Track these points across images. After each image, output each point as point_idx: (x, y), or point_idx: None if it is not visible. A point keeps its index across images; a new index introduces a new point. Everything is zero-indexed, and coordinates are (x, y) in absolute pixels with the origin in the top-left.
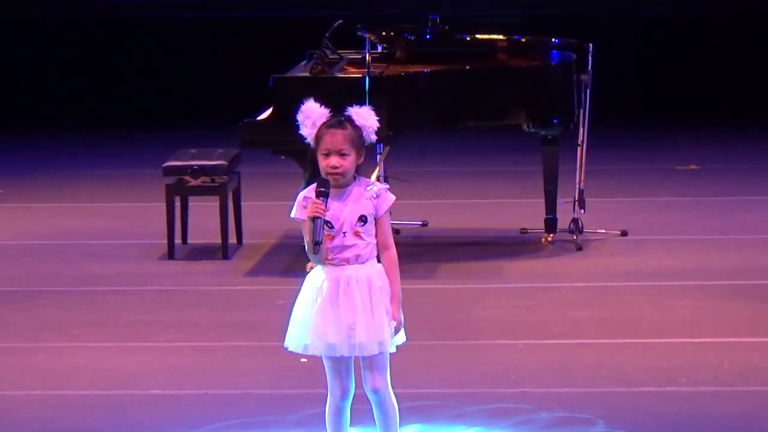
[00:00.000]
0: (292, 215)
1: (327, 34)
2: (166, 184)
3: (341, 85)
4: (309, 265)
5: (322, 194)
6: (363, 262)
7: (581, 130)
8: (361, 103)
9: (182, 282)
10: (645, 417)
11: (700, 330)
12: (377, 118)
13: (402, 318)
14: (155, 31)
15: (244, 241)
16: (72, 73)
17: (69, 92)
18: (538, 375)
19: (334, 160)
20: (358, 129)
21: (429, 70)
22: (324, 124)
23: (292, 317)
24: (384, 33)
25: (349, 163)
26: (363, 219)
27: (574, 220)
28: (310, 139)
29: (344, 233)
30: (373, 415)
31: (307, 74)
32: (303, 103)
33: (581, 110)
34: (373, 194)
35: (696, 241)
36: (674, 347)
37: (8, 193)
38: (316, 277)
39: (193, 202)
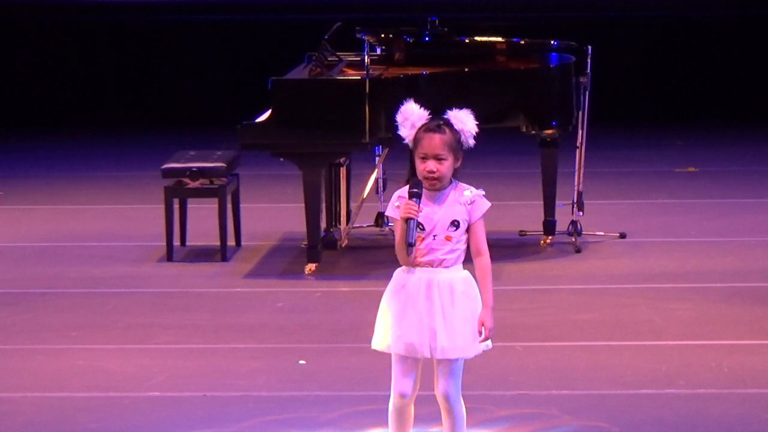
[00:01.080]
0: (387, 213)
1: (326, 37)
2: (165, 186)
3: (340, 87)
4: (308, 267)
5: (415, 195)
6: (448, 267)
7: (580, 132)
8: (359, 106)
9: (181, 284)
10: (644, 419)
11: (699, 332)
12: (476, 123)
13: (491, 324)
14: (154, 33)
15: (243, 243)
16: (72, 75)
17: (69, 95)
18: (537, 377)
19: (432, 165)
20: (456, 133)
21: (428, 72)
22: (422, 127)
23: (378, 318)
24: (383, 35)
25: (446, 167)
26: (455, 224)
27: (573, 223)
28: (408, 140)
29: (435, 236)
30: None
31: (306, 76)
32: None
33: (580, 112)
34: (468, 200)
35: (695, 243)
36: (673, 349)
37: (7, 195)
38: (400, 278)
39: (192, 204)
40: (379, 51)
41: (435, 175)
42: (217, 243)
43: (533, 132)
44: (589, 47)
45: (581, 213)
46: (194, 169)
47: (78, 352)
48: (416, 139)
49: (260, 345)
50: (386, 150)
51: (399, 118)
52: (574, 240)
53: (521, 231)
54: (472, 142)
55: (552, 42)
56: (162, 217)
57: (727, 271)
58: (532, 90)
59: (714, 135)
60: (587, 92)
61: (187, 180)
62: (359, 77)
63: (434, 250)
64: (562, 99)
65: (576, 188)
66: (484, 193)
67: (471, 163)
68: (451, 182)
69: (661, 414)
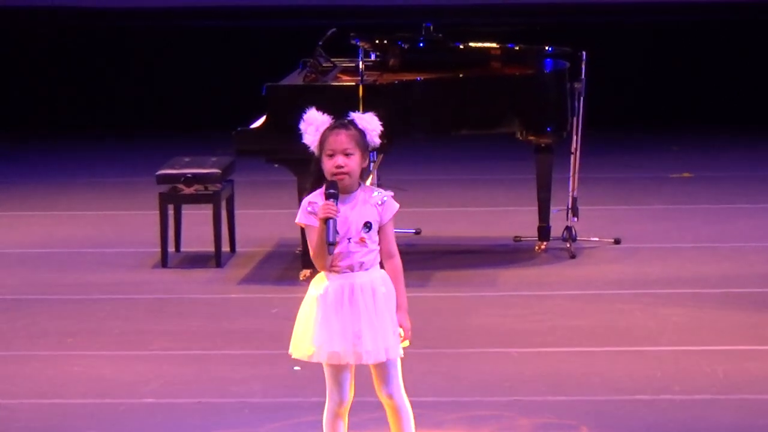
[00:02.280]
0: (297, 220)
1: (320, 43)
2: (159, 192)
3: (335, 93)
4: (303, 273)
5: (332, 196)
6: (367, 269)
7: (575, 138)
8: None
9: (176, 290)
10: (638, 425)
11: (694, 338)
12: (380, 122)
13: (409, 325)
14: (149, 39)
15: (238, 249)
16: (66, 81)
17: (63, 100)
18: (532, 383)
19: (339, 160)
20: (361, 131)
21: (422, 78)
22: (327, 127)
23: (296, 325)
24: (377, 41)
25: (354, 162)
26: (368, 225)
27: (568, 228)
28: (313, 146)
29: (349, 239)
30: (365, 424)
31: (301, 82)
32: (304, 113)
33: (575, 118)
34: (378, 201)
35: (689, 248)
36: (668, 355)
37: (1, 201)
38: (320, 284)
39: (187, 210)
40: (373, 57)
41: (344, 170)
42: (212, 249)
43: (528, 138)
44: (584, 53)
45: (576, 219)
46: (189, 175)
47: (73, 359)
48: (322, 140)
49: (255, 351)
50: (381, 156)
51: (302, 125)
52: (568, 246)
53: (516, 237)
54: (377, 141)
55: (546, 48)
56: (157, 223)
57: (722, 277)
58: (526, 96)
59: (709, 140)
60: (582, 98)
61: (181, 186)
62: (354, 83)
63: (351, 253)
64: (557, 105)
65: (571, 194)
66: (393, 194)
67: (466, 168)
68: (359, 185)
69: (657, 420)
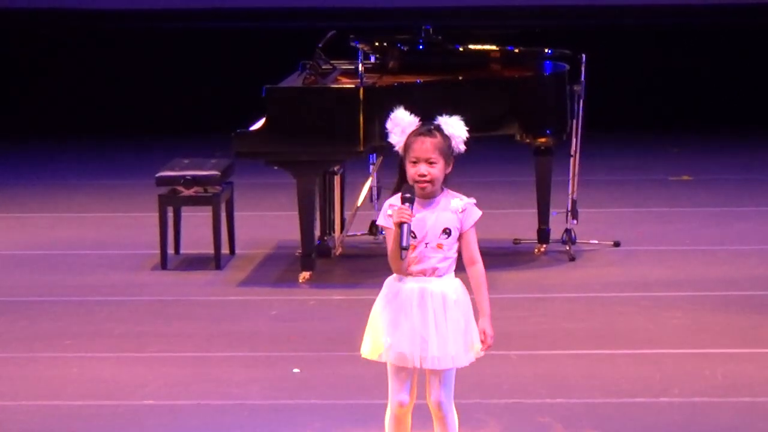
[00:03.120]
0: (378, 222)
1: (320, 45)
2: (158, 194)
3: (334, 95)
4: (302, 275)
5: (408, 200)
6: (440, 276)
7: (574, 140)
8: (354, 114)
9: (175, 292)
10: (638, 428)
11: (693, 341)
12: (467, 128)
13: (492, 332)
14: (148, 42)
15: (237, 251)
16: (66, 83)
17: (63, 103)
18: (531, 386)
19: (423, 168)
20: (447, 138)
21: (422, 80)
22: (413, 132)
23: (368, 325)
24: (377, 43)
25: (437, 171)
26: (447, 232)
27: (567, 231)
28: (398, 147)
29: (426, 244)
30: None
31: (300, 84)
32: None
33: (574, 121)
34: (459, 208)
35: (689, 251)
36: (667, 358)
37: (1, 203)
38: (392, 286)
39: (186, 213)
40: (373, 59)
41: (426, 178)
42: (211, 251)
43: (527, 140)
44: (584, 55)
45: (575, 221)
46: (188, 177)
47: (72, 360)
48: (407, 145)
49: (254, 353)
50: (380, 158)
51: (389, 125)
52: (568, 248)
53: (515, 239)
54: (462, 147)
55: (546, 50)
56: (156, 226)
57: (721, 280)
58: (526, 98)
59: (708, 143)
60: (581, 100)
61: (181, 188)
62: (353, 85)
63: (426, 258)
64: (557, 107)
65: (570, 196)
66: (475, 201)
67: (465, 171)
68: (442, 190)
69: (656, 422)
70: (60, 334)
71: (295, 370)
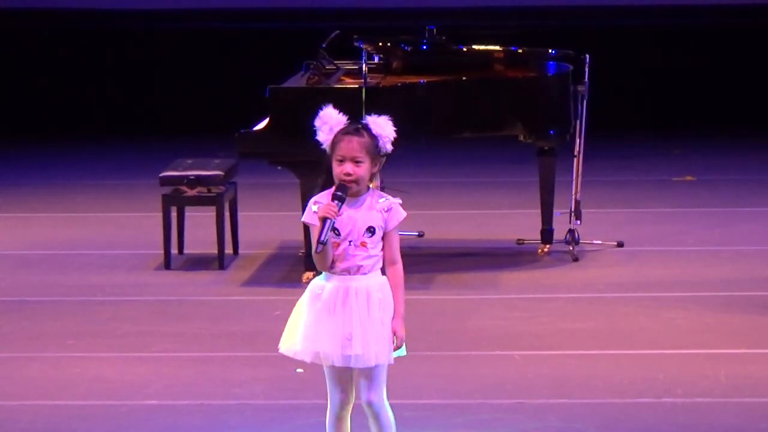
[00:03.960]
0: (303, 219)
1: (324, 45)
2: (162, 194)
3: (338, 95)
4: (305, 275)
5: (339, 198)
6: (365, 274)
7: (578, 141)
8: (358, 114)
9: (178, 292)
10: (641, 428)
11: (696, 341)
12: (394, 128)
13: (404, 334)
14: (152, 42)
15: (241, 251)
16: (69, 83)
17: (66, 102)
18: (534, 386)
19: (348, 167)
20: (374, 138)
21: (425, 80)
22: (341, 130)
23: (289, 320)
24: (381, 44)
25: (363, 170)
26: (371, 230)
27: (571, 231)
28: (326, 145)
29: (350, 242)
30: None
31: (304, 85)
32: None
33: (578, 121)
34: (384, 207)
35: (692, 252)
36: (670, 358)
37: (5, 202)
38: (318, 284)
39: (190, 212)
40: (376, 59)
41: (352, 178)
42: (215, 251)
43: (531, 141)
44: (587, 56)
45: (579, 222)
46: (192, 177)
47: (75, 360)
48: (334, 143)
49: (258, 353)
50: (383, 158)
51: (317, 122)
52: (571, 249)
53: (519, 240)
54: (390, 147)
55: (550, 51)
56: (159, 225)
57: (724, 280)
58: (529, 99)
59: (711, 144)
60: (585, 101)
61: (184, 188)
62: (357, 85)
63: (351, 256)
64: (560, 108)
65: (573, 197)
66: (401, 201)
67: (468, 171)
68: (367, 189)
69: (659, 423)
70: (63, 333)
71: (299, 370)
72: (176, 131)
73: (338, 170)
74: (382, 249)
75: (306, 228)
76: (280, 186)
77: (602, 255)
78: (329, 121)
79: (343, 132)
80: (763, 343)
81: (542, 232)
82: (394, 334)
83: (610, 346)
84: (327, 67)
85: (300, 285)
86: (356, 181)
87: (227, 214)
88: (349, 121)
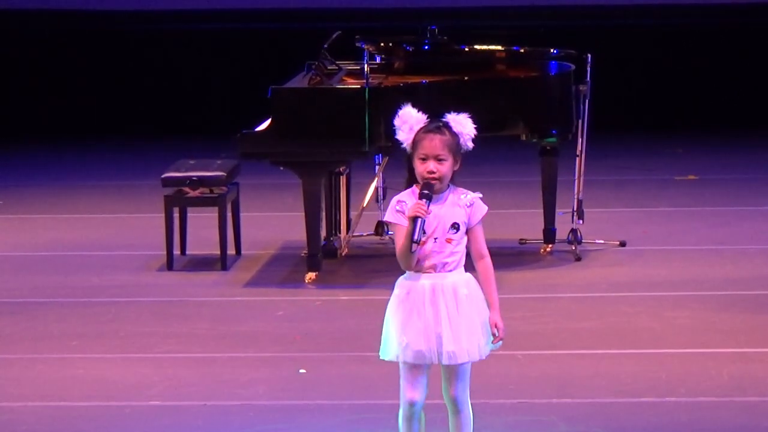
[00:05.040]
0: (386, 218)
1: (325, 45)
2: (164, 195)
3: (339, 95)
4: (308, 276)
5: (426, 197)
6: (450, 270)
7: (580, 140)
8: (359, 114)
9: (181, 293)
10: (644, 428)
11: (699, 340)
12: (475, 126)
13: (503, 324)
14: (155, 42)
15: (243, 252)
16: (71, 84)
17: (68, 103)
18: (537, 386)
19: (432, 165)
20: (455, 135)
21: (427, 80)
22: (422, 129)
23: (384, 327)
24: (382, 44)
25: (446, 168)
26: (455, 226)
27: (573, 231)
28: (406, 144)
29: (435, 239)
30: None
31: (306, 85)
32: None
33: (580, 121)
34: (466, 203)
35: (695, 251)
36: (673, 357)
37: (7, 204)
38: (403, 285)
39: (192, 213)
40: (378, 60)
41: (435, 175)
42: (217, 252)
43: (533, 140)
44: (589, 55)
45: (581, 221)
46: (194, 178)
47: (78, 361)
48: (415, 142)
49: (260, 354)
50: (386, 159)
51: (397, 122)
52: (574, 248)
53: (521, 239)
54: (470, 144)
55: (551, 50)
56: (162, 226)
57: (727, 279)
58: (531, 98)
59: (714, 143)
60: (587, 100)
61: (187, 189)
62: (359, 86)
63: (436, 253)
64: (562, 107)
65: (576, 196)
66: (481, 195)
67: (471, 171)
68: (448, 186)
69: (661, 422)
70: (66, 334)
71: (302, 371)
72: (178, 132)
73: (421, 168)
74: (468, 244)
75: (308, 228)
76: (283, 186)
77: (605, 254)
78: (409, 120)
79: (425, 130)
80: (766, 342)
81: (545, 232)
82: (495, 326)
83: (613, 346)
84: (329, 68)
85: (303, 285)
86: (440, 179)
87: (229, 215)
88: (429, 120)
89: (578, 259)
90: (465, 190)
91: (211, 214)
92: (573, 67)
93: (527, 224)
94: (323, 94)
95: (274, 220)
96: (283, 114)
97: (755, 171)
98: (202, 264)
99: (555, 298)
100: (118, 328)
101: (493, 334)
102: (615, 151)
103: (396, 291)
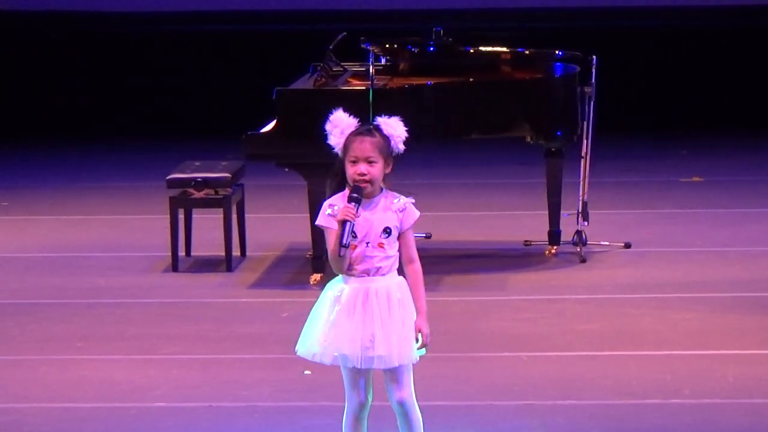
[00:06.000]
0: (317, 222)
1: (330, 47)
2: (170, 196)
3: (345, 97)
4: (313, 277)
5: (355, 200)
6: (383, 275)
7: (585, 142)
8: (365, 116)
9: (186, 294)
10: (649, 429)
11: (704, 342)
12: (405, 128)
13: (428, 330)
14: (160, 44)
15: (248, 253)
16: (76, 85)
17: (73, 104)
18: (542, 387)
19: (362, 167)
20: (386, 138)
21: (432, 82)
22: (353, 132)
23: (307, 323)
24: (387, 45)
25: (376, 170)
26: (387, 231)
27: (578, 233)
28: (338, 148)
29: (367, 243)
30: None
31: (311, 87)
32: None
33: (585, 122)
34: (399, 207)
35: (699, 253)
36: (678, 359)
37: (12, 205)
38: (336, 286)
39: (197, 215)
40: (383, 61)
41: (366, 178)
42: (222, 253)
43: (538, 142)
44: (594, 57)
45: (586, 223)
46: (199, 180)
47: (84, 363)
48: (346, 145)
49: (265, 355)
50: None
51: (328, 126)
52: (579, 250)
53: (526, 241)
54: (402, 147)
55: (556, 52)
56: (167, 228)
57: (732, 281)
58: (536, 100)
59: (719, 145)
60: (592, 102)
61: (192, 190)
62: (364, 87)
63: (369, 258)
64: (567, 109)
65: (581, 198)
66: (414, 200)
67: (475, 173)
68: (381, 190)
69: (667, 424)
70: (71, 336)
71: (306, 372)
72: (183, 133)
73: (352, 171)
74: (399, 249)
75: (315, 230)
76: (288, 188)
77: (610, 256)
78: (340, 124)
79: (355, 133)
80: None
81: (549, 234)
82: (419, 332)
83: (618, 347)
84: (334, 69)
85: (308, 287)
86: (370, 182)
87: (234, 216)
88: (360, 123)
89: (583, 260)
90: (397, 195)
91: (216, 216)
92: (578, 68)
93: (532, 226)
94: (328, 96)
95: (279, 222)
96: (289, 115)
97: (760, 173)
98: (207, 265)
99: (560, 299)
100: (123, 330)
101: (417, 339)
102: (620, 153)
103: (326, 291)
